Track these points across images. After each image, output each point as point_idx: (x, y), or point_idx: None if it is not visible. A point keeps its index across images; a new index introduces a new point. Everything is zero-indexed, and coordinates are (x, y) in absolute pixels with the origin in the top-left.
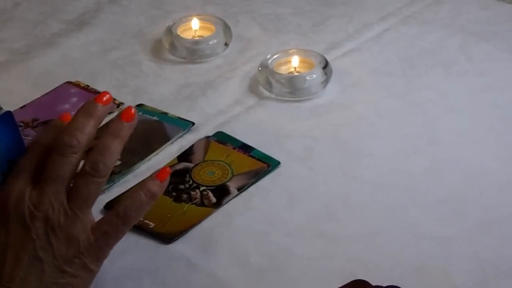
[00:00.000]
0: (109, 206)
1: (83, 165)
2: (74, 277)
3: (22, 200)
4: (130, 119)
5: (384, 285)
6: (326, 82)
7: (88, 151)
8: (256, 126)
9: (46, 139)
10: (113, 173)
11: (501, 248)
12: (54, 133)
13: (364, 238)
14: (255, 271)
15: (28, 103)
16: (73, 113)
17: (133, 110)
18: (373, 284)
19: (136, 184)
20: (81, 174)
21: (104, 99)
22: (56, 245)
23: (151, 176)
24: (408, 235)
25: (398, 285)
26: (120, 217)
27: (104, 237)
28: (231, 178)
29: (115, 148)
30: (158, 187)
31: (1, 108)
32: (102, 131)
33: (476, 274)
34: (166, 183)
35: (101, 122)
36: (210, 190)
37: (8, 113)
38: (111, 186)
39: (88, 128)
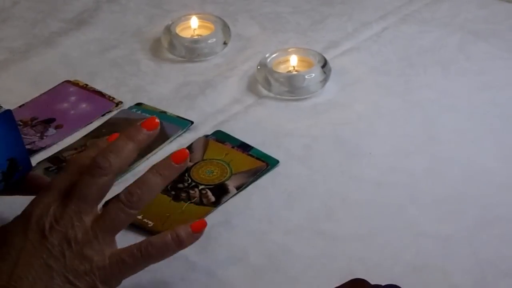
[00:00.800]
0: (107, 204)
1: (120, 193)
2: None
3: (46, 214)
4: (181, 161)
5: (383, 284)
6: (325, 81)
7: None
8: (255, 125)
9: (85, 158)
10: None
11: (500, 247)
12: (93, 153)
13: (363, 237)
14: (254, 270)
15: (27, 102)
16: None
17: (186, 152)
18: (372, 283)
19: None
20: (114, 199)
21: (151, 125)
22: (69, 257)
23: (186, 224)
24: (407, 234)
25: (397, 284)
26: (141, 251)
27: (120, 264)
28: (230, 177)
29: (155, 184)
30: (189, 236)
31: (1, 106)
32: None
33: (475, 273)
34: (198, 235)
35: (141, 147)
36: (209, 189)
37: (8, 111)
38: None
39: (125, 152)
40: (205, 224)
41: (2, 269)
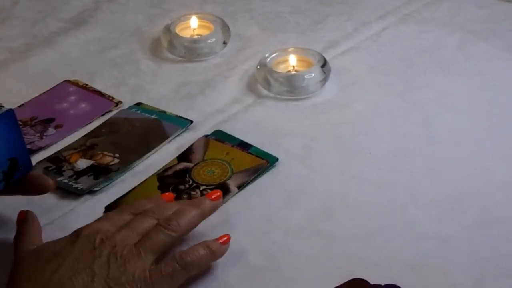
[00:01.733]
0: (109, 208)
1: (159, 220)
2: None
3: (98, 231)
4: (216, 198)
5: (383, 283)
6: (324, 80)
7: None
8: (255, 125)
9: (141, 206)
10: (110, 171)
11: (500, 246)
12: (148, 204)
13: (362, 237)
14: (253, 269)
15: (27, 102)
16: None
17: (217, 194)
18: (372, 282)
19: None
20: (156, 225)
21: (214, 196)
22: (112, 267)
23: (213, 239)
24: (407, 234)
25: (397, 284)
26: (177, 260)
27: (160, 276)
28: (231, 176)
29: (192, 215)
30: (218, 246)
31: (3, 106)
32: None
33: (475, 272)
34: (227, 246)
35: (206, 216)
36: (210, 189)
37: (10, 111)
38: (108, 184)
39: (189, 216)
40: (229, 236)
41: (45, 269)
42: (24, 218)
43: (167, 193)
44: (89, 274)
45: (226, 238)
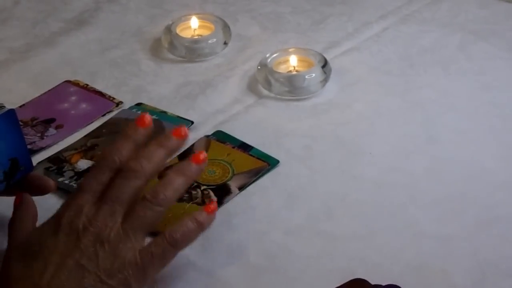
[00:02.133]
0: None
1: (145, 193)
2: None
3: (77, 217)
4: (200, 162)
5: (383, 284)
6: (325, 81)
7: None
8: (255, 125)
9: (117, 152)
10: None
11: (500, 247)
12: (127, 146)
13: (363, 237)
14: (254, 270)
15: (28, 102)
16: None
17: (203, 156)
18: (372, 283)
19: None
20: (142, 200)
21: (181, 133)
22: (101, 257)
23: (199, 210)
24: (407, 234)
25: (397, 284)
26: (166, 239)
27: (150, 258)
28: (231, 177)
29: (179, 184)
30: (205, 217)
31: (4, 106)
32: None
33: (475, 273)
34: (213, 216)
35: (172, 154)
36: (211, 189)
37: (11, 111)
38: None
39: (156, 158)
40: (215, 204)
41: (34, 269)
42: (20, 202)
43: (143, 115)
44: (78, 271)
45: (212, 206)
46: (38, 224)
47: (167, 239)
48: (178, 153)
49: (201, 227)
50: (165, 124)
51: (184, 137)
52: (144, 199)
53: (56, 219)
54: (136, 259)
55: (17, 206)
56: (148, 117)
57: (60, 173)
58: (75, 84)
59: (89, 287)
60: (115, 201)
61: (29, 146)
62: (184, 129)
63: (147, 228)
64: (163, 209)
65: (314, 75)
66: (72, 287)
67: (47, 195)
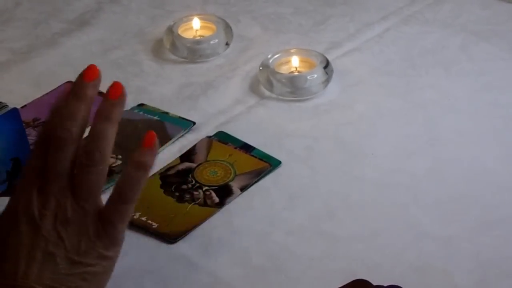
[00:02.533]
0: None
1: (79, 157)
2: (91, 266)
3: (30, 203)
4: (118, 95)
5: (385, 284)
6: (327, 81)
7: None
8: (257, 126)
9: (50, 127)
10: (113, 173)
11: (502, 248)
12: (54, 120)
13: (365, 238)
14: (256, 270)
15: (29, 103)
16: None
17: (119, 84)
18: (374, 283)
19: None
20: (79, 166)
21: (92, 74)
22: (67, 239)
23: (137, 150)
24: (409, 235)
25: (399, 285)
26: (116, 199)
27: (109, 222)
28: (233, 178)
29: (108, 132)
30: (146, 156)
31: (7, 105)
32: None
33: (477, 274)
34: (155, 148)
35: (92, 102)
36: (213, 190)
37: (14, 110)
38: (111, 185)
39: (80, 114)
40: (153, 135)
41: (6, 270)
42: None
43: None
44: (49, 259)
45: (150, 139)
46: None
47: (117, 199)
48: (179, 154)
49: (146, 168)
50: (166, 125)
51: (96, 77)
52: (81, 164)
53: (11, 211)
54: (98, 228)
55: None
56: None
57: None
58: None
59: (64, 272)
60: (56, 176)
61: (31, 147)
62: (93, 67)
63: (97, 190)
64: (104, 165)
65: (315, 76)
66: (49, 277)
67: None
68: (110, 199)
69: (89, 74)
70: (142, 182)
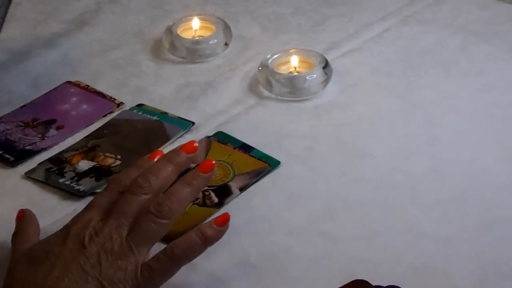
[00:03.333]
0: None
1: (149, 206)
2: None
3: (86, 227)
4: (208, 171)
5: (384, 285)
6: (326, 82)
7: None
8: (256, 126)
9: (126, 178)
10: (112, 173)
11: (502, 248)
12: (134, 172)
13: (364, 238)
14: (255, 271)
15: (28, 103)
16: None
17: (212, 163)
18: (374, 284)
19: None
20: (145, 212)
21: (190, 148)
22: (104, 266)
23: (209, 221)
24: (408, 235)
25: (398, 285)
26: (167, 255)
27: (150, 272)
28: (233, 178)
29: (184, 195)
30: (213, 231)
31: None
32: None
33: (477, 274)
34: (224, 228)
35: (181, 170)
36: (212, 190)
37: None
38: (104, 185)
39: (164, 173)
40: (228, 217)
41: (39, 272)
42: (22, 216)
43: (156, 151)
44: (82, 275)
45: (224, 218)
46: (42, 237)
47: (168, 255)
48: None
49: (207, 242)
50: (165, 125)
51: (193, 152)
52: (148, 212)
53: (64, 230)
54: (137, 273)
55: (19, 219)
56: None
57: (61, 174)
58: (76, 85)
59: None
60: (121, 214)
61: (29, 147)
62: (193, 144)
63: (151, 241)
64: (168, 221)
65: (315, 76)
66: None
67: (48, 196)
68: (158, 253)
69: (187, 147)
70: (199, 253)
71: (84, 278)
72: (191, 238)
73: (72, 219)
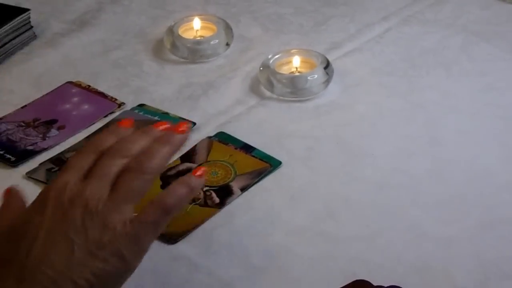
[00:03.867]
0: None
1: (129, 163)
2: (105, 262)
3: (64, 189)
4: (183, 131)
5: (386, 285)
6: (327, 82)
7: None
8: (258, 126)
9: (102, 142)
10: None
11: (503, 248)
12: (111, 139)
13: (365, 238)
14: (256, 271)
15: (29, 103)
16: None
17: (185, 125)
18: (375, 284)
19: None
20: (126, 170)
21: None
22: (90, 228)
23: (187, 174)
24: (410, 235)
25: (400, 285)
26: (157, 205)
27: (142, 227)
28: (234, 178)
29: (164, 152)
30: (196, 182)
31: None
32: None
33: (478, 274)
34: (203, 179)
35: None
36: (214, 190)
37: None
38: None
39: (141, 142)
40: (202, 167)
41: (21, 247)
42: (8, 193)
43: (124, 119)
44: (67, 245)
45: (202, 170)
46: None
47: (158, 206)
48: (179, 154)
49: (193, 191)
50: None
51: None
52: (128, 168)
53: (42, 196)
54: (126, 228)
55: (4, 196)
56: (130, 121)
57: None
58: (77, 85)
59: (78, 261)
60: (102, 175)
61: (31, 147)
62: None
63: (136, 198)
64: (150, 177)
65: (316, 76)
66: (62, 262)
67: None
68: (146, 205)
69: (160, 124)
70: (186, 202)
71: (70, 248)
72: (177, 189)
73: (50, 182)
